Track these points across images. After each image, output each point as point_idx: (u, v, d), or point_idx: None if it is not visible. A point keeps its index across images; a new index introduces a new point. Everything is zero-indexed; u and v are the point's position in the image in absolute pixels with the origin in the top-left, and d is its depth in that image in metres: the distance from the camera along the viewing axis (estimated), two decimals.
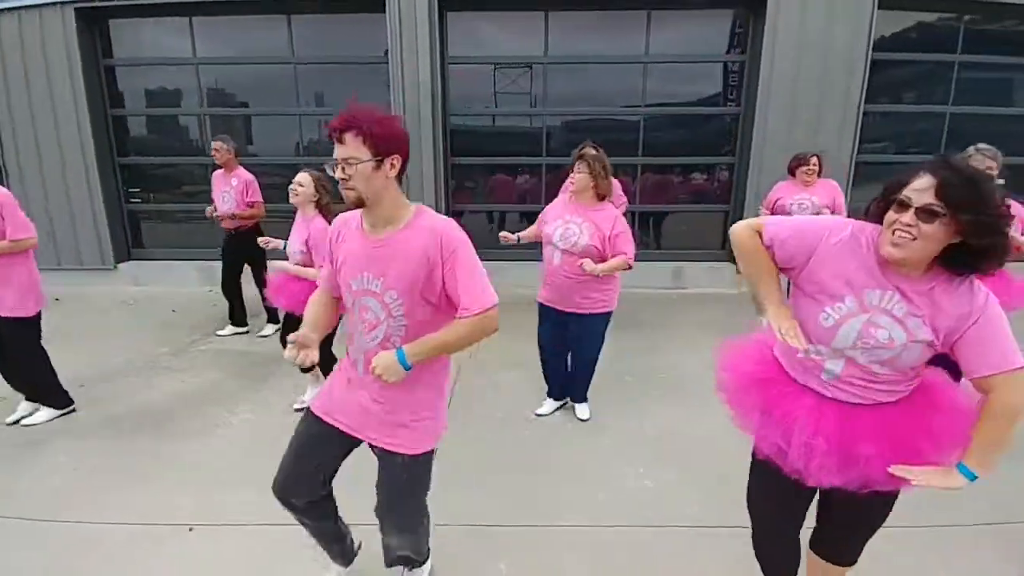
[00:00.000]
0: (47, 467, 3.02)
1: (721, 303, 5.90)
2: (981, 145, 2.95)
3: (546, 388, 3.65)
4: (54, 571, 2.27)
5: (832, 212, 4.42)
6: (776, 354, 1.64)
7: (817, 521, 1.75)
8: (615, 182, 4.71)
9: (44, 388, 3.48)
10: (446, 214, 6.13)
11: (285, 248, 3.53)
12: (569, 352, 3.50)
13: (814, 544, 1.78)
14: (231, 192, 4.83)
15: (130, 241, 7.12)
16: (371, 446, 1.81)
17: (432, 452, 1.84)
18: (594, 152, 3.09)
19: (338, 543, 2.07)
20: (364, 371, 1.69)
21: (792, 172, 4.57)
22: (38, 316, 3.32)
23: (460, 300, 1.60)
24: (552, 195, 6.27)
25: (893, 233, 1.30)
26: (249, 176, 4.88)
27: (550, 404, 3.62)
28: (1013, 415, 1.32)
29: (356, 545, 2.17)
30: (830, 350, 1.46)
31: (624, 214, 4.47)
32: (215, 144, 4.85)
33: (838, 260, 1.42)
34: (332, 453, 1.84)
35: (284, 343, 3.45)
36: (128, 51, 6.67)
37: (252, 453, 3.09)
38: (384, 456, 1.79)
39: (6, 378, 3.47)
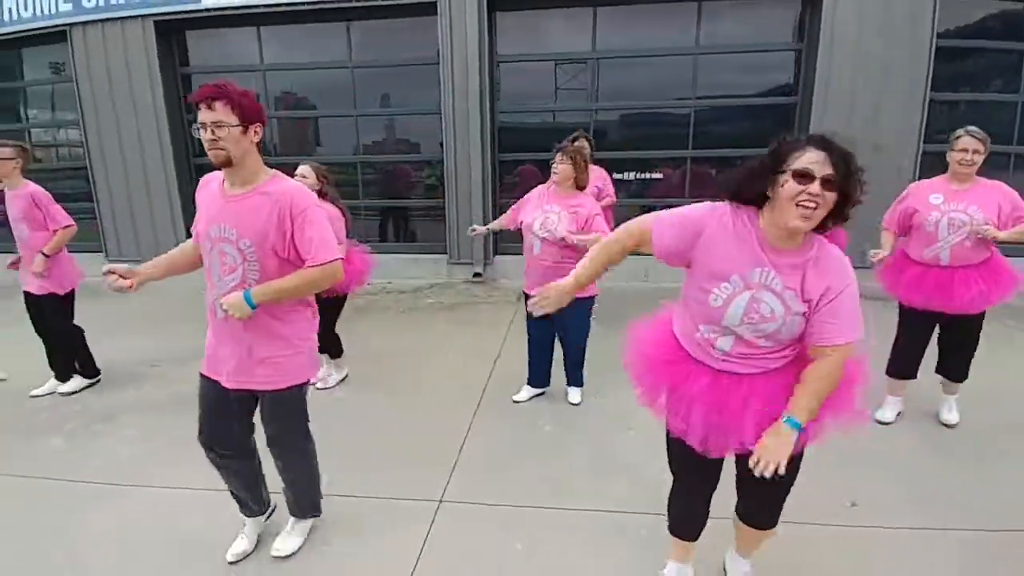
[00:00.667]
0: (119, 438, 3.34)
1: None
2: (971, 128, 2.92)
3: (527, 375, 3.75)
4: (126, 529, 2.53)
5: None
6: (676, 333, 1.72)
7: (737, 492, 1.85)
8: (604, 175, 4.76)
9: (78, 359, 3.94)
10: (493, 209, 6.39)
11: None
12: (553, 341, 3.62)
13: (738, 514, 1.89)
14: None
15: None
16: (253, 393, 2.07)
17: (297, 390, 2.09)
18: (577, 145, 3.34)
19: (248, 492, 2.29)
20: (221, 312, 1.93)
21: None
22: (70, 294, 3.76)
23: (305, 253, 1.86)
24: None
25: (798, 206, 1.37)
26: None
27: (527, 391, 3.73)
28: (839, 375, 1.51)
29: (270, 506, 2.41)
30: (721, 328, 1.55)
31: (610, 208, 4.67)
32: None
33: (722, 243, 1.51)
34: (232, 408, 2.09)
35: None
36: (202, 59, 7.17)
37: None
38: (259, 395, 2.07)
39: (48, 357, 3.91)
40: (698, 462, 1.70)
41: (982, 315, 3.05)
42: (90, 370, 4.01)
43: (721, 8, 6.24)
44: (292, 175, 3.51)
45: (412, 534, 2.46)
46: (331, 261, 1.87)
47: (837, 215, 1.42)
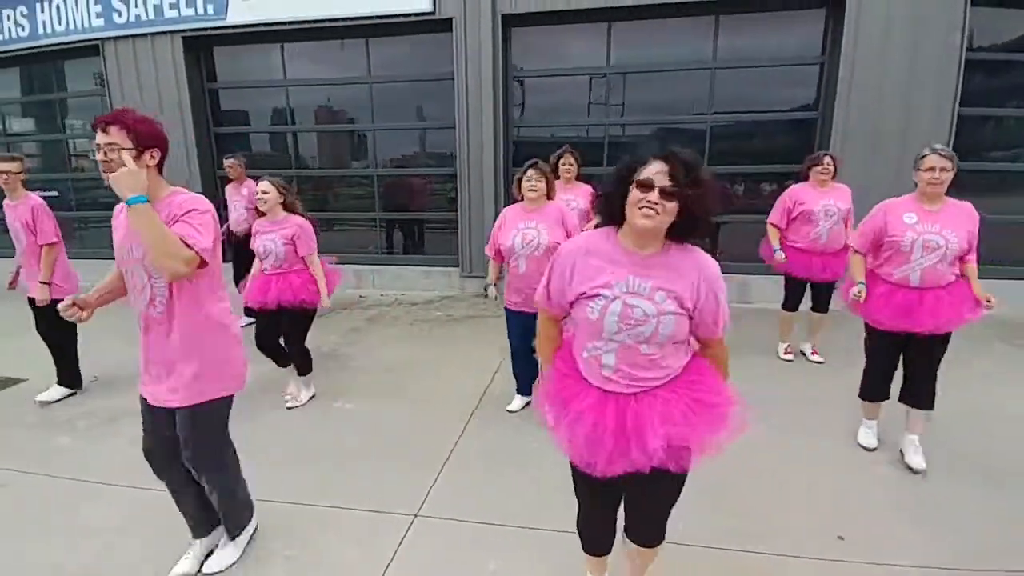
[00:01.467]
0: (125, 439, 3.42)
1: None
2: (937, 146, 2.83)
3: (515, 386, 3.82)
4: (130, 527, 2.60)
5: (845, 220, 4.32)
6: (575, 356, 1.75)
7: (624, 509, 1.87)
8: (586, 187, 4.72)
9: (62, 367, 4.05)
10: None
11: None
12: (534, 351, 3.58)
13: (626, 531, 1.90)
14: (242, 201, 5.59)
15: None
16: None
17: (214, 405, 2.11)
18: (542, 164, 3.45)
19: (197, 514, 2.31)
20: (144, 334, 2.03)
21: (806, 175, 4.38)
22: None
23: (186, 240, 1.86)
24: None
25: (640, 209, 1.50)
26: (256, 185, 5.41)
27: (519, 400, 3.77)
28: (727, 358, 1.74)
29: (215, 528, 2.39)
30: (604, 342, 1.61)
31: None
32: (229, 161, 5.62)
33: (592, 263, 1.63)
34: (161, 424, 2.13)
35: (261, 344, 3.78)
36: (229, 75, 7.42)
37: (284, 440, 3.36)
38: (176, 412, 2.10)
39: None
40: (592, 484, 1.72)
41: (947, 338, 2.94)
42: (70, 380, 4.08)
43: (738, 22, 6.15)
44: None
45: (382, 546, 2.45)
46: (198, 250, 1.86)
47: (691, 229, 1.55)
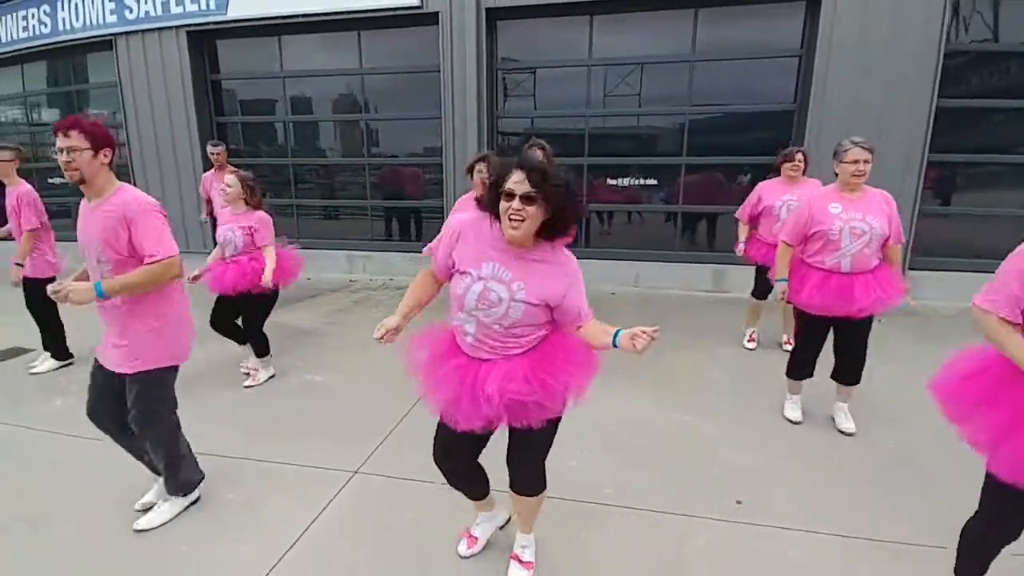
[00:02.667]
0: None
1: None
2: (857, 139, 2.99)
3: None
4: (107, 469, 2.92)
5: None
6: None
7: (508, 466, 2.06)
8: None
9: (53, 339, 4.39)
10: None
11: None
12: None
13: (510, 484, 2.09)
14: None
15: None
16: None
17: (157, 373, 2.36)
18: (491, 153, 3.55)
19: (140, 459, 2.61)
20: (99, 308, 2.29)
21: (778, 169, 4.48)
22: (47, 280, 4.07)
23: (145, 251, 2.18)
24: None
25: (510, 220, 1.68)
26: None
27: None
28: (599, 331, 1.80)
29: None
30: (466, 314, 1.83)
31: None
32: (218, 149, 5.85)
33: (472, 242, 1.84)
34: (108, 387, 2.39)
35: (214, 324, 4.03)
36: (230, 67, 7.75)
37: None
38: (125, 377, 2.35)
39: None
40: (450, 431, 1.96)
41: (871, 320, 3.14)
42: (57, 352, 4.44)
43: (718, 15, 6.26)
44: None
45: (317, 496, 2.73)
46: (167, 257, 2.19)
47: (557, 226, 1.74)
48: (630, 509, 2.66)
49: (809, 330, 3.31)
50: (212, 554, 2.38)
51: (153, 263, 2.18)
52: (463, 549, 2.34)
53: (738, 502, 2.70)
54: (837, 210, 3.04)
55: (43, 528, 2.53)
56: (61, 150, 2.13)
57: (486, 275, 1.78)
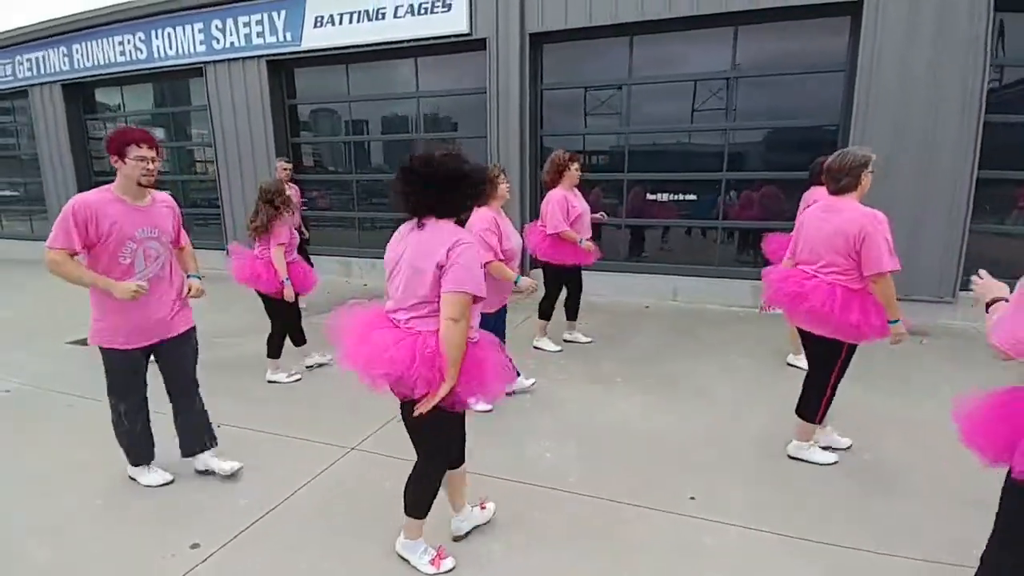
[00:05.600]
0: None
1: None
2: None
3: None
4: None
5: None
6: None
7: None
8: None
9: None
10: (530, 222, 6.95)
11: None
12: None
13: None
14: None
15: None
16: None
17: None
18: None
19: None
20: (151, 291, 2.71)
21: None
22: None
23: (183, 238, 2.99)
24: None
25: None
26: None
27: None
28: (455, 340, 1.99)
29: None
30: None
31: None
32: (288, 164, 6.64)
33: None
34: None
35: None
36: (304, 93, 8.62)
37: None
38: None
39: None
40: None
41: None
42: None
43: (757, 31, 6.28)
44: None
45: (310, 466, 3.13)
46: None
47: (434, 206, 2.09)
48: (586, 496, 2.85)
49: (847, 363, 2.97)
50: (216, 500, 2.84)
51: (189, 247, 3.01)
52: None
53: (692, 498, 2.82)
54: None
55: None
56: (150, 159, 2.65)
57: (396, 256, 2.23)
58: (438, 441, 2.25)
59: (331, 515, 2.72)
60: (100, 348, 2.77)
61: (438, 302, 2.02)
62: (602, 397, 4.07)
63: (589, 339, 5.29)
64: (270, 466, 3.15)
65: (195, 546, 2.50)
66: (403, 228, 2.19)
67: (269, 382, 4.43)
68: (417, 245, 2.06)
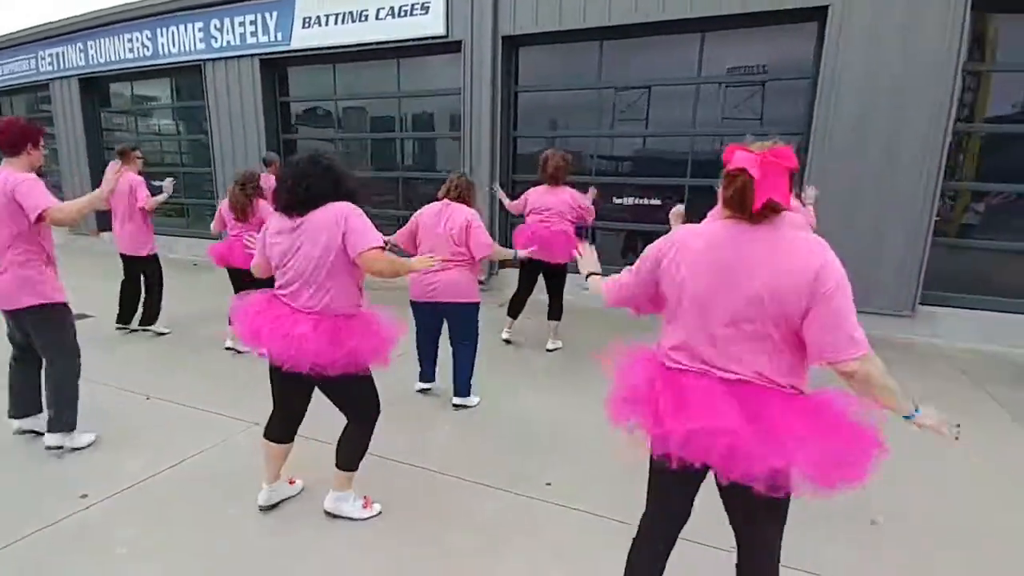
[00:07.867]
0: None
1: None
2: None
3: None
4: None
5: None
6: None
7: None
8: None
9: None
10: (502, 223, 7.09)
11: None
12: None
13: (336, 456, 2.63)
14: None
15: None
16: None
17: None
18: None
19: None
20: None
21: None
22: None
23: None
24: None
25: None
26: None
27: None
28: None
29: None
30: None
31: None
32: (275, 157, 6.79)
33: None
34: None
35: None
36: (295, 91, 8.95)
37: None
38: None
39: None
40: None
41: None
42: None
43: (724, 37, 6.30)
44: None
45: (201, 439, 3.34)
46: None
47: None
48: (451, 477, 3.00)
49: None
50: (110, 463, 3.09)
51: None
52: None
53: (548, 484, 2.94)
54: None
55: None
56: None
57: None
58: (367, 401, 2.58)
59: (217, 478, 2.95)
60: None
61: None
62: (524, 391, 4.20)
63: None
64: (172, 434, 3.39)
65: (84, 496, 2.77)
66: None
67: (227, 349, 4.87)
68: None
